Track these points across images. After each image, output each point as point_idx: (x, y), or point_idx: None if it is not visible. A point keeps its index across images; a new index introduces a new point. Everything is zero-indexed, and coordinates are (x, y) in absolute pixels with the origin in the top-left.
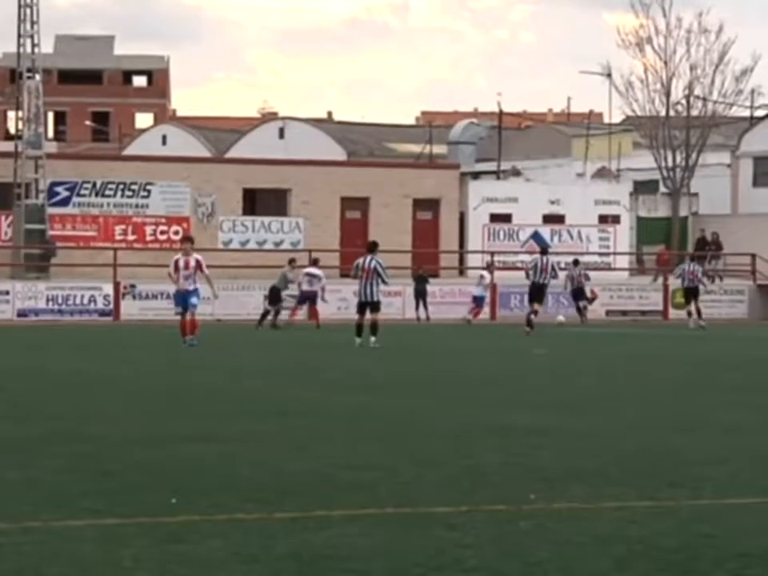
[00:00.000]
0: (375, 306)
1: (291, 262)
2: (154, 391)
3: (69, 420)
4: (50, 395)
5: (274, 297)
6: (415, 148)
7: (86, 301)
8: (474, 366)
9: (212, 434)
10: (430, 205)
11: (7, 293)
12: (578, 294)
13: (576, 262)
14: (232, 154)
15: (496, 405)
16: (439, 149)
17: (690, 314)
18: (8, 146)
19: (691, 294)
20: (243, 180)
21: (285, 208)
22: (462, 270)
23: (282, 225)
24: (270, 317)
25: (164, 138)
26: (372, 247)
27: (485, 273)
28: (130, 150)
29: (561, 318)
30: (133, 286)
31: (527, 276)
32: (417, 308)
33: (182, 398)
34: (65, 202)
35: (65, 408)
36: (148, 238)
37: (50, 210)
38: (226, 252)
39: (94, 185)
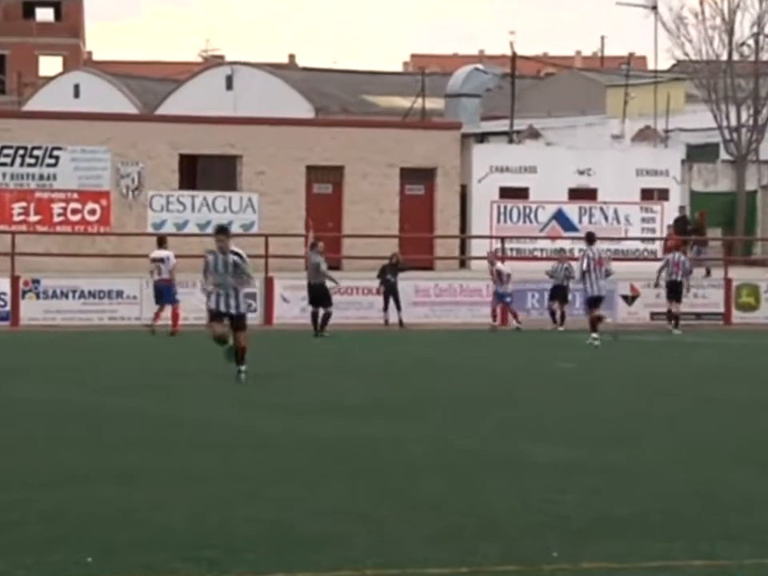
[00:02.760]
0: (239, 323)
1: (314, 246)
2: (61, 416)
3: None
4: None
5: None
6: (403, 102)
7: None
8: (479, 384)
9: (138, 470)
10: (423, 176)
11: None
12: (561, 293)
13: (590, 238)
14: (165, 110)
15: (507, 433)
16: (434, 103)
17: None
18: None
19: (672, 290)
20: (180, 144)
21: (234, 180)
22: (463, 260)
23: (231, 202)
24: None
25: (76, 88)
26: (221, 231)
27: (502, 265)
28: (32, 105)
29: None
30: (36, 282)
31: (561, 276)
32: (385, 308)
33: (97, 425)
34: None
35: None
36: (56, 219)
37: None
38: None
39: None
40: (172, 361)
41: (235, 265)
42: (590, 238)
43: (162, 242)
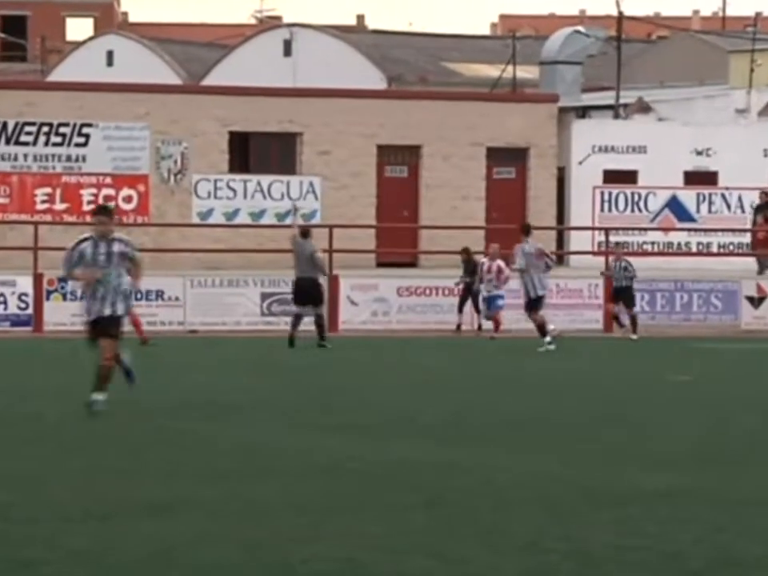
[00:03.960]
0: (110, 326)
1: (306, 233)
2: (92, 440)
3: None
4: None
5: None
6: (490, 71)
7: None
8: (580, 401)
9: (181, 501)
10: (513, 157)
11: None
12: (623, 295)
13: (526, 230)
14: (212, 80)
15: (608, 458)
16: (527, 72)
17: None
18: None
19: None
20: (229, 120)
21: (293, 162)
22: (560, 256)
23: (289, 187)
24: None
25: (109, 55)
26: (102, 211)
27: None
28: (58, 75)
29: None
30: (62, 281)
31: None
32: (460, 309)
33: (134, 451)
34: None
35: None
36: (86, 208)
37: None
38: (203, 229)
39: (4, 127)
40: (212, 375)
41: (121, 255)
42: (527, 230)
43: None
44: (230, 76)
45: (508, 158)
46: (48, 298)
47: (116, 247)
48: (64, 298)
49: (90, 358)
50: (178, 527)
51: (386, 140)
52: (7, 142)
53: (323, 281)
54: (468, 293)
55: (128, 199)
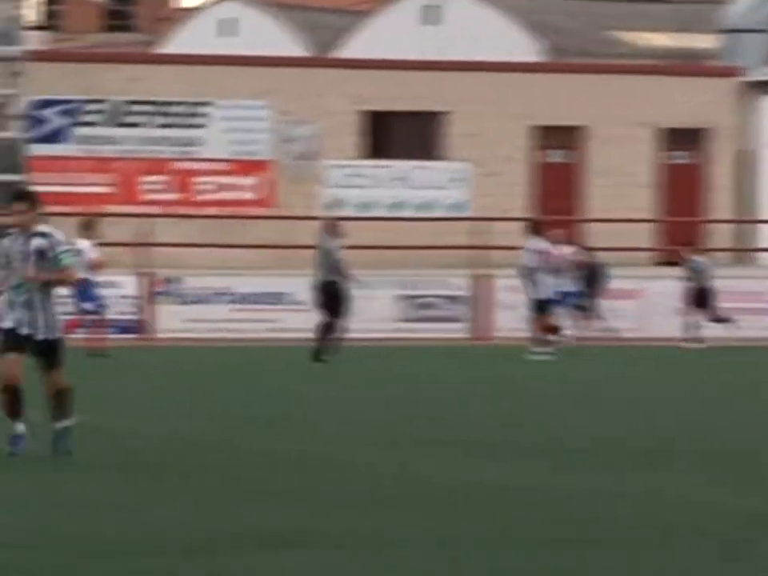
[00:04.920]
0: (52, 356)
1: (333, 227)
2: (210, 464)
3: (38, 505)
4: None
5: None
6: (662, 40)
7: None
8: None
9: (298, 531)
10: (689, 139)
11: None
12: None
13: (536, 227)
14: (344, 52)
15: None
16: (704, 41)
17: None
18: None
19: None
20: (363, 97)
21: (437, 146)
22: (751, 251)
23: (433, 175)
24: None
25: (226, 24)
26: (20, 197)
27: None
28: (168, 47)
29: None
30: (173, 281)
31: None
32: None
33: (250, 476)
34: (57, 135)
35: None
36: (199, 198)
37: (36, 150)
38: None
39: (108, 106)
40: (333, 388)
41: (41, 253)
42: (536, 227)
43: (87, 227)
44: (362, 47)
45: (683, 141)
46: (157, 302)
47: (34, 243)
48: (175, 301)
49: (198, 368)
50: (296, 562)
51: (544, 120)
52: (110, 123)
53: (346, 285)
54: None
55: (248, 188)
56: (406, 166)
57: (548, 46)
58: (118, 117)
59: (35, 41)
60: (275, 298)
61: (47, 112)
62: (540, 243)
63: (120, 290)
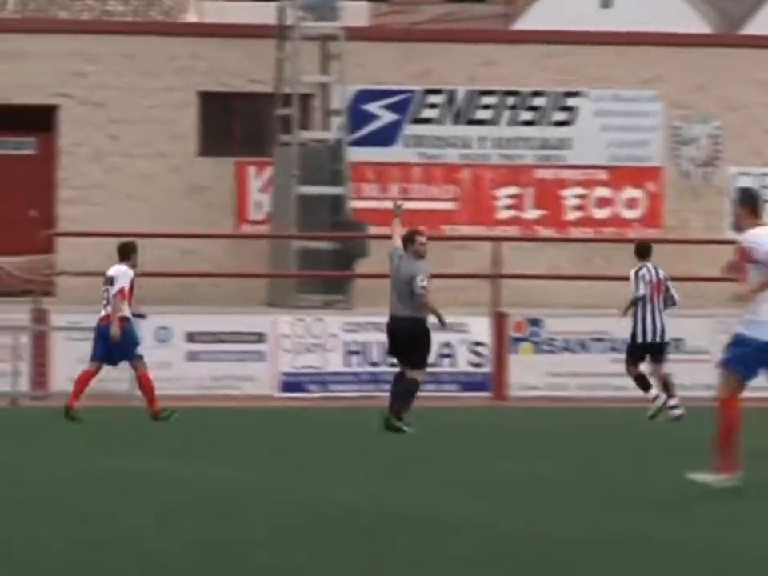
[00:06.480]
0: None
1: (414, 237)
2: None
3: None
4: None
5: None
6: None
7: (430, 356)
8: None
9: None
10: None
11: (260, 337)
12: None
13: (644, 250)
14: (756, 28)
15: None
16: None
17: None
18: (257, 14)
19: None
20: None
21: None
22: None
23: None
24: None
25: None
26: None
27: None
28: (529, 21)
29: None
30: (536, 323)
31: None
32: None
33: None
34: (385, 135)
35: None
36: (568, 217)
37: (354, 155)
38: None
39: (451, 98)
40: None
41: None
42: (644, 250)
43: (125, 251)
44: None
45: None
46: (514, 350)
47: None
48: (536, 348)
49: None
50: None
51: None
52: (455, 119)
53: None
54: None
55: (631, 203)
56: None
57: None
58: (465, 111)
59: (356, 15)
60: (671, 345)
61: (371, 106)
62: (651, 269)
63: (469, 335)
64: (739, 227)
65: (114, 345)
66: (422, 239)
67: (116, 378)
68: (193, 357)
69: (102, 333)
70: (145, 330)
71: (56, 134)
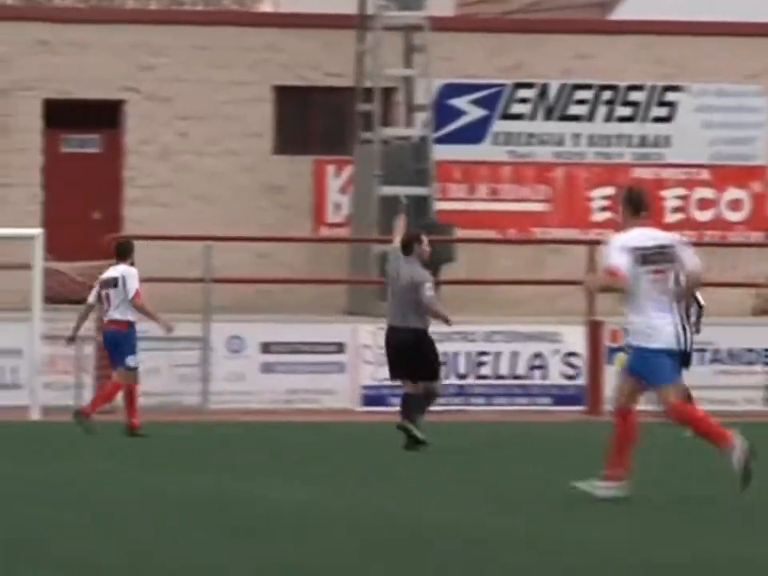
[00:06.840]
0: None
1: (416, 240)
2: None
3: None
4: None
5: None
6: None
7: (520, 367)
8: None
9: None
10: None
11: (339, 348)
12: None
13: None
14: None
15: None
16: None
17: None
18: (336, 2)
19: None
20: None
21: None
22: None
23: None
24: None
25: None
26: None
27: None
28: (627, 10)
29: None
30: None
31: None
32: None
33: None
34: (473, 132)
35: None
36: (668, 219)
37: (440, 153)
38: None
39: (543, 92)
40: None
41: None
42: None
43: (125, 250)
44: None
45: None
46: (610, 361)
47: None
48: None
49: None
50: None
51: None
52: (548, 115)
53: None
54: None
55: (735, 205)
56: None
57: None
58: (558, 106)
59: (442, 4)
60: None
61: (458, 101)
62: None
63: (563, 345)
64: (619, 228)
65: (113, 348)
66: (427, 241)
67: (187, 392)
68: (268, 368)
69: (112, 339)
70: (216, 339)
71: (121, 130)
